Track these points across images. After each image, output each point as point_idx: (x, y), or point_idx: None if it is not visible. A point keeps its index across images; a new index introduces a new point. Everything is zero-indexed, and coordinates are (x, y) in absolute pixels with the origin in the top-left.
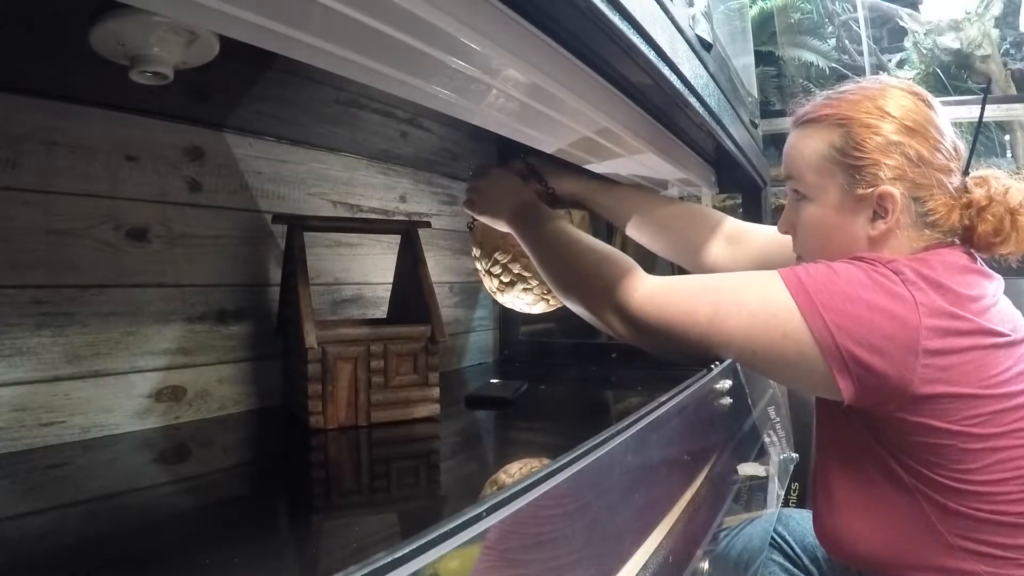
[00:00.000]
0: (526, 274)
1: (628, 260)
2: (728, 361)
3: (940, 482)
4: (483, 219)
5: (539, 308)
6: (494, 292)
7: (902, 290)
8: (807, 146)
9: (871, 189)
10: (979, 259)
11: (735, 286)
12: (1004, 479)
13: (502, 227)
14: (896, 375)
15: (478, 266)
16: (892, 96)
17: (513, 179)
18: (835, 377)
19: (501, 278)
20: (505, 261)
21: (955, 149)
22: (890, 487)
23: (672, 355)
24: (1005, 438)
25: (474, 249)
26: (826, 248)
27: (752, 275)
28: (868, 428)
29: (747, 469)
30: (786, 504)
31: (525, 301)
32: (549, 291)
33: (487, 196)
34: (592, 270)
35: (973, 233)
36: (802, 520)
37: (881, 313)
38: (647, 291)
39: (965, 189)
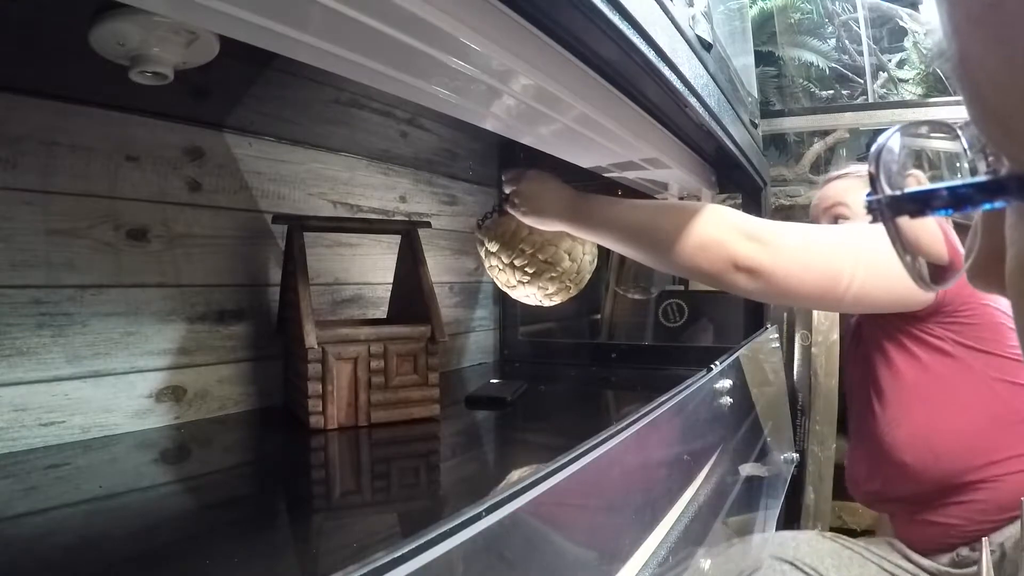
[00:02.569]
0: (552, 262)
1: (728, 209)
2: (728, 361)
3: (1005, 358)
4: (533, 221)
5: (559, 298)
6: (514, 286)
7: None
8: None
9: None
10: None
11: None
12: None
13: (556, 226)
14: None
15: (494, 262)
16: None
17: (553, 178)
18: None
19: (526, 269)
20: (532, 251)
21: None
22: (966, 386)
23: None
24: None
25: (489, 244)
26: None
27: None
28: (929, 331)
29: (747, 469)
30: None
31: (547, 291)
32: (572, 279)
33: (537, 198)
34: (696, 237)
35: None
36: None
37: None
38: (776, 251)
39: None
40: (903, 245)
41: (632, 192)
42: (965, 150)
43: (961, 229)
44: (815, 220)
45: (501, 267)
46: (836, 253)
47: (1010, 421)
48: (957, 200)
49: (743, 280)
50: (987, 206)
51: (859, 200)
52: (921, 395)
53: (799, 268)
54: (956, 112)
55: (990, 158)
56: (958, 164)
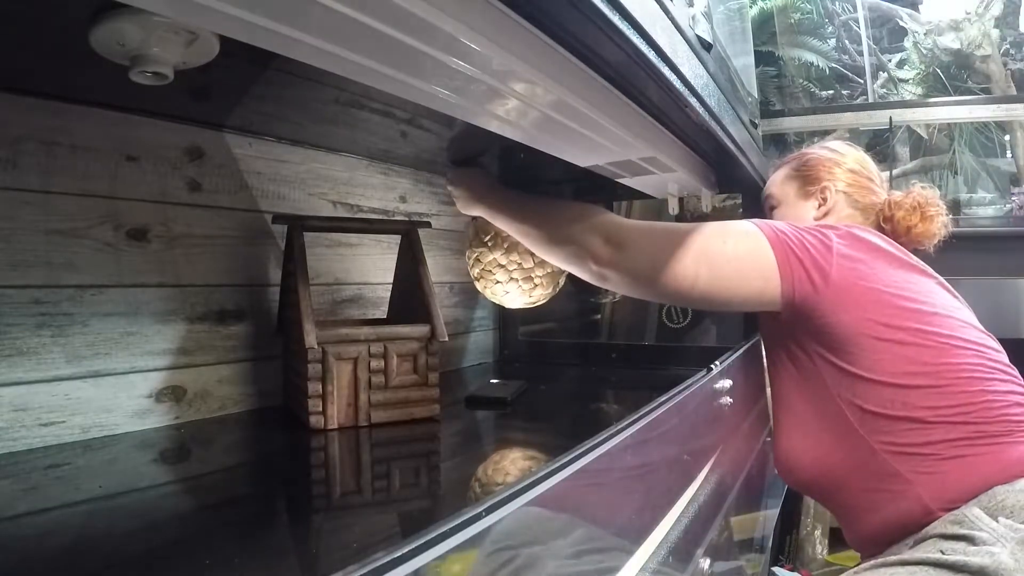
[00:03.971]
0: (527, 265)
1: (595, 209)
2: (728, 361)
3: (856, 376)
4: (462, 207)
5: (539, 292)
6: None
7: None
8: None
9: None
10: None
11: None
12: (912, 372)
13: (478, 212)
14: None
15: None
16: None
17: (480, 174)
18: (782, 281)
19: (513, 274)
20: (516, 257)
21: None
22: (819, 403)
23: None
24: (909, 333)
25: (484, 240)
26: None
27: (728, 227)
28: (795, 339)
29: (748, 469)
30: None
31: (526, 288)
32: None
33: (463, 189)
34: (565, 235)
35: (893, 222)
36: None
37: (814, 236)
38: (627, 254)
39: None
40: None
41: (632, 192)
42: None
43: None
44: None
45: (497, 266)
46: (682, 255)
47: (857, 451)
48: None
49: (600, 277)
50: None
51: (782, 189)
52: (784, 406)
53: (648, 269)
54: (956, 112)
55: None
56: None
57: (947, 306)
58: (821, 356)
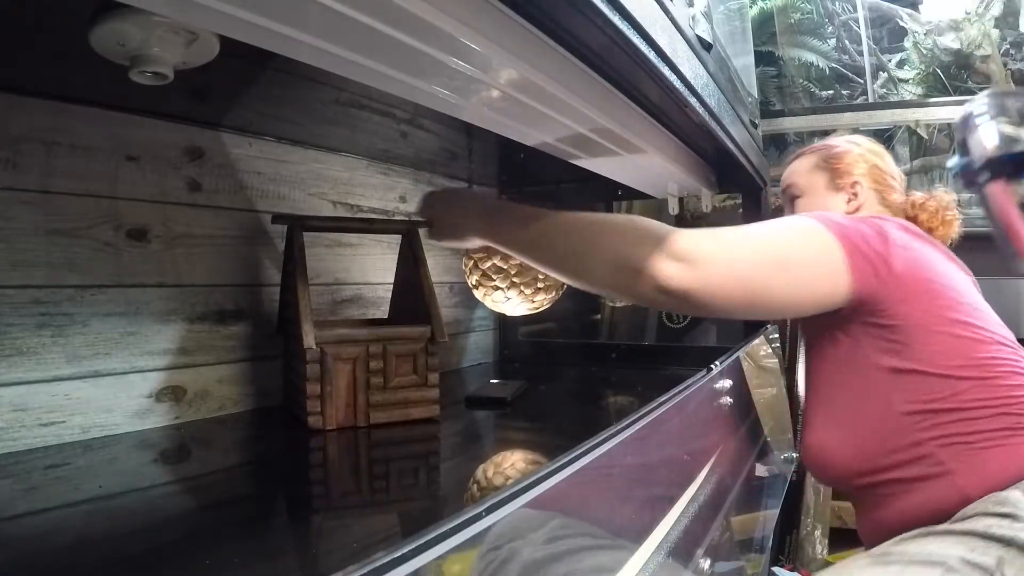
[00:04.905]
0: (527, 267)
1: (652, 224)
2: (728, 361)
3: (909, 368)
4: (449, 243)
5: (543, 295)
6: (496, 291)
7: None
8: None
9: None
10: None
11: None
12: (963, 365)
13: (475, 243)
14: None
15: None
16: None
17: (464, 192)
18: (852, 276)
19: (514, 279)
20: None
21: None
22: (864, 395)
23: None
24: (961, 327)
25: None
26: None
27: (793, 226)
28: (847, 331)
29: (748, 469)
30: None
31: (527, 293)
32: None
33: (447, 217)
34: (614, 250)
35: (916, 223)
36: None
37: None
38: (703, 272)
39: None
40: (993, 212)
41: (632, 192)
42: None
43: None
44: (782, 203)
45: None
46: (761, 264)
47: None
48: None
49: (669, 301)
50: None
51: (808, 179)
52: (823, 399)
53: (728, 285)
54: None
55: None
56: None
57: (982, 302)
58: (875, 348)
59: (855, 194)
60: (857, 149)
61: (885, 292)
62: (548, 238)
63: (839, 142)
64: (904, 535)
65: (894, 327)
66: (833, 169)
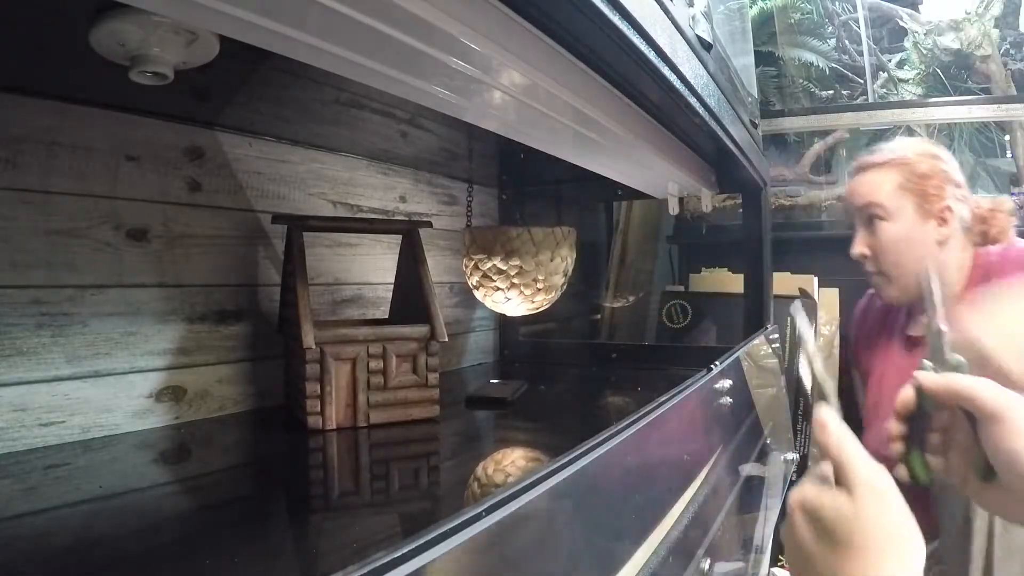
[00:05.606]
0: (527, 268)
1: None
2: (728, 361)
3: None
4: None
5: (541, 297)
6: (496, 292)
7: None
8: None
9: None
10: None
11: None
12: None
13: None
14: None
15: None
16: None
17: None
18: None
19: (514, 279)
20: (516, 261)
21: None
22: None
23: None
24: None
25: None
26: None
27: None
28: None
29: (748, 469)
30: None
31: (526, 294)
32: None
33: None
34: None
35: (986, 237)
36: None
37: None
38: None
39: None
40: None
41: (632, 192)
42: None
43: None
44: (848, 214)
45: (495, 272)
46: None
47: None
48: None
49: None
50: None
51: (895, 202)
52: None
53: None
54: (956, 112)
55: None
56: None
57: None
58: None
59: (944, 220)
60: (942, 166)
61: None
62: None
63: (918, 155)
64: None
65: None
66: (922, 193)
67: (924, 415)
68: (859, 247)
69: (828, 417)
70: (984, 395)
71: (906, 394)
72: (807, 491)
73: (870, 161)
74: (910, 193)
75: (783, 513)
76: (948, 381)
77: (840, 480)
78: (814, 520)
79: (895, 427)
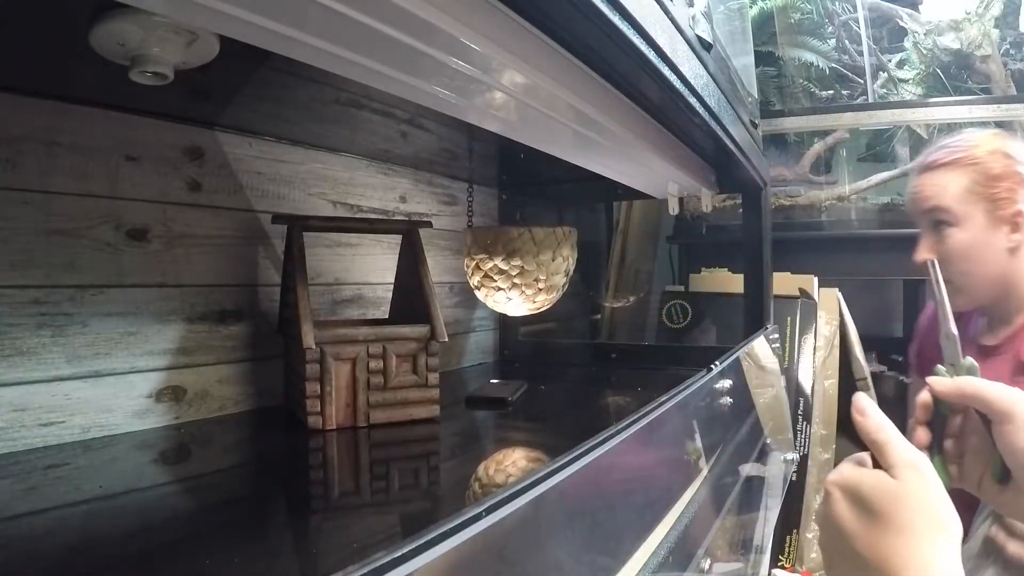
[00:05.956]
0: (529, 268)
1: None
2: (728, 361)
3: None
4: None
5: (542, 298)
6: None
7: None
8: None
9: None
10: None
11: None
12: None
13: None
14: None
15: (496, 263)
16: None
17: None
18: None
19: (516, 280)
20: (518, 261)
21: None
22: None
23: None
24: None
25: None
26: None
27: None
28: None
29: (748, 469)
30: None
31: (526, 293)
32: (545, 282)
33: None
34: None
35: None
36: None
37: None
38: None
39: None
40: None
41: (632, 192)
42: None
43: None
44: (913, 217)
45: (496, 271)
46: None
47: None
48: None
49: None
50: None
51: (964, 208)
52: None
53: None
54: (956, 112)
55: None
56: None
57: None
58: None
59: (1016, 226)
60: (1016, 167)
61: None
62: None
63: (990, 153)
64: None
65: None
66: (992, 197)
67: (942, 420)
68: (924, 253)
69: (867, 403)
70: (993, 395)
71: (924, 399)
72: (846, 471)
73: (936, 160)
74: (980, 197)
75: (783, 513)
76: (957, 384)
77: (880, 463)
78: (855, 498)
79: (921, 433)
